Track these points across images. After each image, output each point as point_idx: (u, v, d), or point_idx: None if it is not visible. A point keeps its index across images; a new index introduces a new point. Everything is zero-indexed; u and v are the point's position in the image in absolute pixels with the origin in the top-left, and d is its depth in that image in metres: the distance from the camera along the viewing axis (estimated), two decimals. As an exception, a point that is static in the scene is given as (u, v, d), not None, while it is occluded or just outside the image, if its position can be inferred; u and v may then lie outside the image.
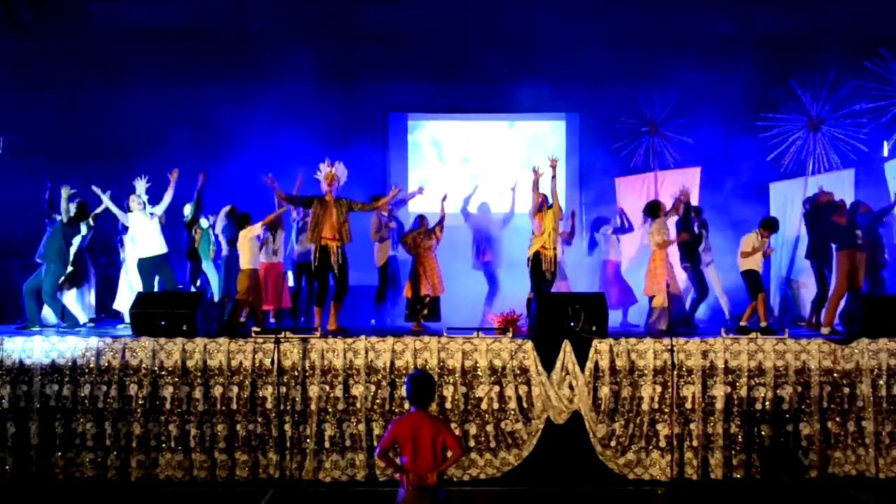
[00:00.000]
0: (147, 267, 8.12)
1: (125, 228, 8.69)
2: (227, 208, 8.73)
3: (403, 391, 6.66)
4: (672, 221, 8.71)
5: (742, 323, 8.11)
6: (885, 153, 9.89)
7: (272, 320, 8.93)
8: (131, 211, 8.21)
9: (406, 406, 6.64)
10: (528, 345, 6.85)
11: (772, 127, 10.07)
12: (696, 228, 8.91)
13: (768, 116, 10.08)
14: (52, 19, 11.71)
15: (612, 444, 6.74)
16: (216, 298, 8.61)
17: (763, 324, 7.90)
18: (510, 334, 7.04)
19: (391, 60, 12.31)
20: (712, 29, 11.99)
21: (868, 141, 9.64)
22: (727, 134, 11.52)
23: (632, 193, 11.30)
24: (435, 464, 4.27)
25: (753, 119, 10.30)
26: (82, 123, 11.82)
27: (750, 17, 11.96)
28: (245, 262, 8.02)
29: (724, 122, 11.69)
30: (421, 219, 8.79)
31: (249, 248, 7.98)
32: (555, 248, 8.07)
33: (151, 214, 8.17)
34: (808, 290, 9.31)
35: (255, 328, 7.09)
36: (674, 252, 8.69)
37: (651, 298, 8.33)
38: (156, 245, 8.15)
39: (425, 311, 8.35)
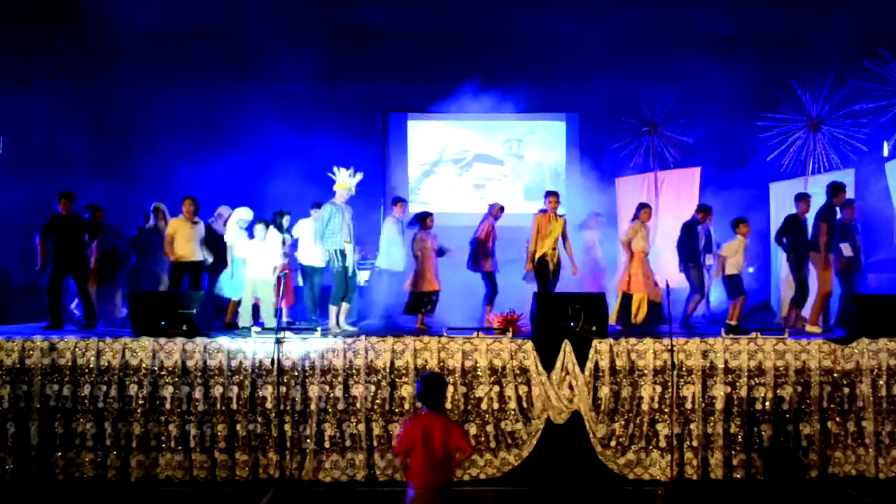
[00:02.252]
0: (181, 269, 8.37)
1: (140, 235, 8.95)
2: (243, 214, 8.83)
3: (403, 391, 6.68)
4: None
5: (732, 322, 8.26)
6: (886, 153, 9.90)
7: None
8: (180, 215, 8.51)
9: (406, 406, 6.66)
10: (528, 345, 6.84)
11: (772, 127, 10.07)
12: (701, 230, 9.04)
13: (768, 116, 10.08)
14: (53, 19, 11.71)
15: (612, 444, 6.73)
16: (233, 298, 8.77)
17: (732, 323, 8.18)
18: (510, 334, 7.04)
19: (391, 60, 12.33)
20: (712, 29, 12.01)
21: (868, 141, 9.65)
22: (727, 134, 11.54)
23: (632, 193, 11.31)
24: (446, 463, 4.28)
25: (753, 119, 10.30)
26: (83, 123, 11.83)
27: (750, 17, 11.97)
28: (255, 272, 8.12)
29: (724, 122, 11.70)
30: (427, 216, 8.89)
31: (262, 259, 8.21)
32: (556, 250, 8.34)
33: (195, 222, 8.47)
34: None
35: (255, 328, 7.10)
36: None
37: (629, 298, 8.51)
38: (194, 251, 8.44)
39: (429, 306, 8.52)
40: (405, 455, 4.38)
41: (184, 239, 8.35)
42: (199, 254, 8.50)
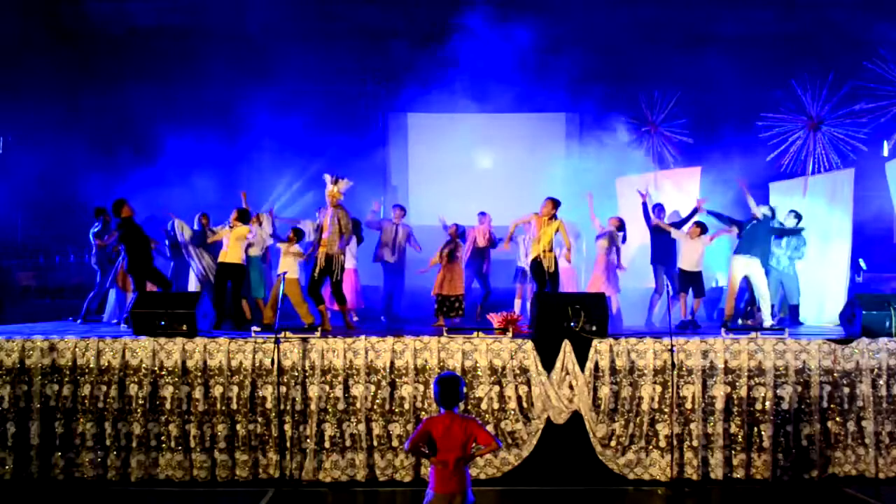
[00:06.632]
0: (225, 273, 8.52)
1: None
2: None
3: (403, 391, 6.68)
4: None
5: (686, 318, 8.58)
6: (886, 153, 9.91)
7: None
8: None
9: (406, 406, 6.66)
10: (528, 345, 6.84)
11: (772, 127, 10.07)
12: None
13: (768, 116, 10.09)
14: (54, 18, 11.72)
15: (612, 444, 6.73)
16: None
17: (684, 318, 8.51)
18: (510, 334, 7.03)
19: (391, 60, 12.34)
20: (712, 29, 12.02)
21: (868, 141, 9.66)
22: (727, 134, 11.54)
23: (632, 193, 11.28)
24: (464, 466, 4.28)
25: (753, 119, 10.31)
26: (84, 123, 11.83)
27: (750, 17, 11.98)
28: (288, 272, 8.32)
29: (724, 121, 11.70)
30: (455, 227, 9.10)
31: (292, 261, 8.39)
32: (553, 252, 8.26)
33: (231, 227, 8.66)
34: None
35: (255, 328, 7.09)
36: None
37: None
38: (237, 255, 8.59)
39: (456, 307, 8.75)
40: (416, 452, 4.36)
41: (228, 243, 8.57)
42: (241, 256, 8.69)
